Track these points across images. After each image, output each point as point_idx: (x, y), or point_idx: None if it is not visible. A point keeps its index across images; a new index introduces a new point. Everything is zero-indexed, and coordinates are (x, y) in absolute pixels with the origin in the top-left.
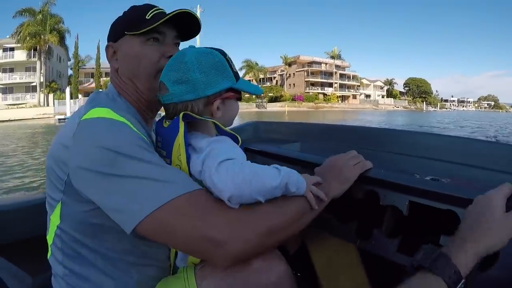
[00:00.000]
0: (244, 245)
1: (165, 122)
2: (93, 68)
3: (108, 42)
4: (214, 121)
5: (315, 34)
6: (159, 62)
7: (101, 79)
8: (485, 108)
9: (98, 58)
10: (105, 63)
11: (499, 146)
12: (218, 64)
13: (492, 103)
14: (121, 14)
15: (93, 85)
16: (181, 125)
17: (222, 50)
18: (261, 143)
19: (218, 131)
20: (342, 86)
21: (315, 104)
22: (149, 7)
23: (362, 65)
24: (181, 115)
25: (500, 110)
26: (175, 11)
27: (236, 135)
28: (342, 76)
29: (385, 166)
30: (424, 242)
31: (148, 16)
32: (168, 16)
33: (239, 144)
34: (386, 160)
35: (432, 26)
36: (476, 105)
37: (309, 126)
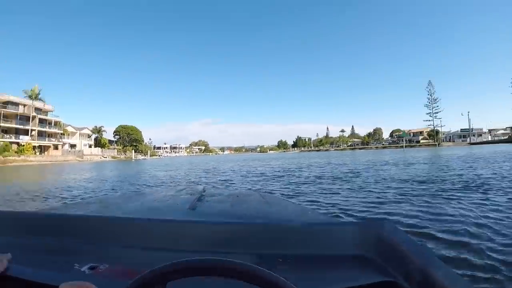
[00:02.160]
0: None
1: None
2: None
3: None
4: None
5: (13, 67)
6: None
7: None
8: (197, 152)
9: None
10: None
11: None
12: None
13: (203, 147)
14: None
15: None
16: None
17: None
18: None
19: None
20: (42, 134)
21: (3, 157)
22: None
23: (69, 110)
24: None
25: (210, 153)
26: None
27: None
28: (42, 122)
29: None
30: None
31: None
32: None
33: None
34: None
35: (140, 75)
36: (188, 150)
37: None
